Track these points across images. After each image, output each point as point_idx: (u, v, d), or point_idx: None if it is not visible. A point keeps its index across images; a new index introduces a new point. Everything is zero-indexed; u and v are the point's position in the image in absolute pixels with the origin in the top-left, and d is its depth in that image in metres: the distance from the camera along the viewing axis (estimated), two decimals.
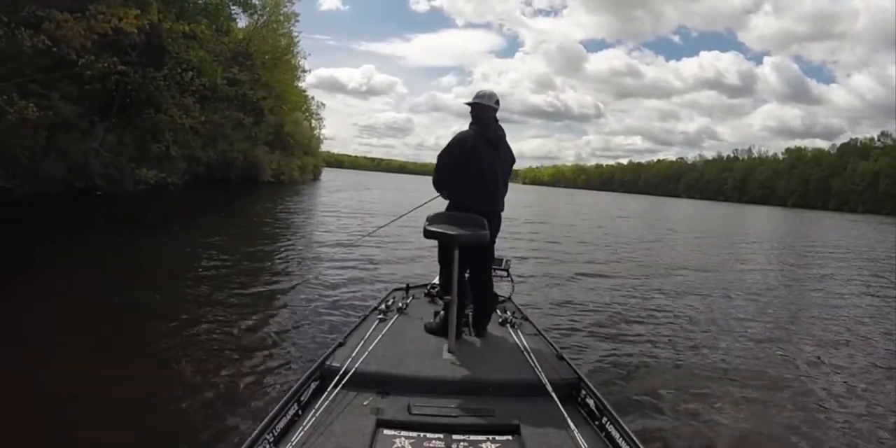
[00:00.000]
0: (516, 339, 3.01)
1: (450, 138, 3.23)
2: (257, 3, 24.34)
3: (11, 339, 3.77)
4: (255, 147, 26.43)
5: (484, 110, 3.21)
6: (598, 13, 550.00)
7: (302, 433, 1.91)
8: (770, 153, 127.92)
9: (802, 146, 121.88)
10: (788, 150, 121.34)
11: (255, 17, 26.26)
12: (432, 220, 3.02)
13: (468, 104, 3.25)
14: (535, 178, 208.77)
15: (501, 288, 3.67)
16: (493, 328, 3.21)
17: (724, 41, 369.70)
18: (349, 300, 5.54)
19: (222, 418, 2.85)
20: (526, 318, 3.51)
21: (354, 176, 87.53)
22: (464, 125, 3.31)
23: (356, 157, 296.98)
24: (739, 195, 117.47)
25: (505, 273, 3.87)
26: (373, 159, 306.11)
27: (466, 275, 3.17)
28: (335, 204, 21.54)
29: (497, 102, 3.25)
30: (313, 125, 48.36)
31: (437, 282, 3.53)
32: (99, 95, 14.50)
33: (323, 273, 6.89)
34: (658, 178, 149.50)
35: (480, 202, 3.14)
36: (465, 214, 3.05)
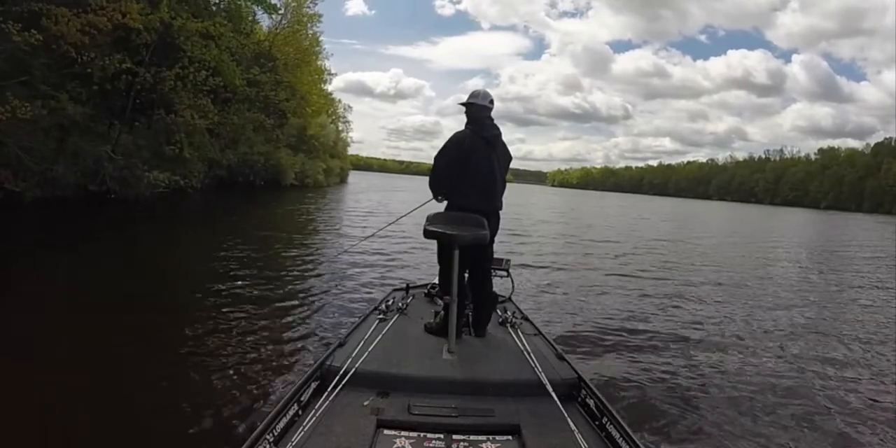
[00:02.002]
0: (516, 339, 2.99)
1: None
2: (277, 2, 23.87)
3: (16, 339, 3.85)
4: (278, 150, 26.32)
5: (478, 110, 3.22)
6: (623, 13, 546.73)
7: (302, 433, 1.92)
8: (801, 154, 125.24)
9: (835, 146, 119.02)
10: (821, 151, 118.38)
11: (277, 17, 26.42)
12: (432, 220, 3.01)
13: (462, 104, 3.26)
14: (563, 181, 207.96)
15: (501, 288, 3.65)
16: (493, 328, 3.19)
17: (751, 39, 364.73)
18: (349, 300, 5.58)
19: (222, 418, 2.87)
20: (526, 318, 3.48)
21: (381, 179, 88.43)
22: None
23: (385, 159, 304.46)
24: (771, 197, 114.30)
25: (505, 273, 3.83)
26: (401, 162, 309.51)
27: (466, 275, 3.15)
28: (353, 207, 21.69)
29: (491, 102, 3.25)
30: (340, 128, 48.84)
31: (437, 282, 3.52)
32: (112, 96, 14.31)
33: (324, 274, 6.96)
34: (688, 180, 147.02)
35: (479, 201, 3.13)
36: (464, 214, 3.05)
